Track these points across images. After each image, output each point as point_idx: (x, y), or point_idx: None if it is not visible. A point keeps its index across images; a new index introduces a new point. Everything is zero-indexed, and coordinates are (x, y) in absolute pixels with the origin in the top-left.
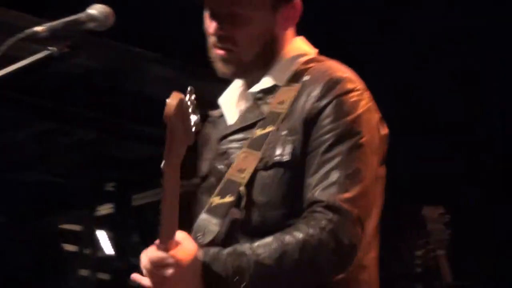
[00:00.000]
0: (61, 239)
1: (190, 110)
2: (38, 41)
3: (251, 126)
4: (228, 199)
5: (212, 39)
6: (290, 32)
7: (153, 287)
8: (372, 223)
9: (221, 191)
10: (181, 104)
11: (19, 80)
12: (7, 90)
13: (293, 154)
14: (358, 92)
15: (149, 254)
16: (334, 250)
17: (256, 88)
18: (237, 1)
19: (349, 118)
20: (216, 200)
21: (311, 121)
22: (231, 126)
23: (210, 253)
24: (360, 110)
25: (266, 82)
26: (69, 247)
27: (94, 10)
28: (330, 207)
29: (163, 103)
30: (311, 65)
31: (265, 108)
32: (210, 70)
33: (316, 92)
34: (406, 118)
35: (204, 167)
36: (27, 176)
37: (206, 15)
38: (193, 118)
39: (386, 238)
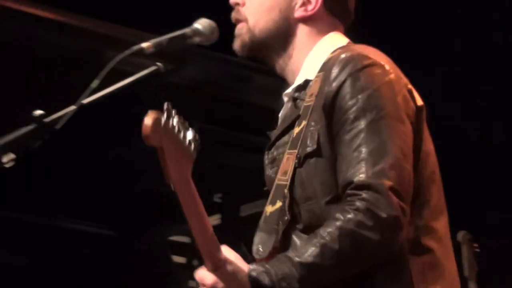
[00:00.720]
0: (170, 250)
1: (178, 126)
2: (146, 56)
3: (291, 126)
4: (278, 204)
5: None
6: (318, 23)
7: None
8: (432, 201)
9: (272, 198)
10: (159, 121)
11: (129, 92)
12: (117, 103)
13: (318, 141)
14: (375, 67)
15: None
16: (373, 228)
17: (290, 88)
18: None
19: (366, 93)
20: (269, 209)
21: (330, 104)
22: (275, 132)
23: (255, 269)
24: (377, 84)
25: (299, 79)
26: (178, 259)
27: (199, 24)
28: (360, 186)
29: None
30: (337, 52)
31: (301, 105)
32: None
33: (333, 74)
34: None
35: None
36: (136, 187)
37: None
38: (189, 134)
39: None
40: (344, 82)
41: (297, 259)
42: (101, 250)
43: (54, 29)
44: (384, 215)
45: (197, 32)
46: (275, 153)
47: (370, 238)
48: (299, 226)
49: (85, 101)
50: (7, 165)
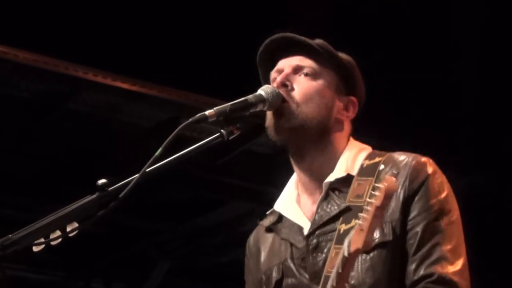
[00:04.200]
0: None
1: None
2: (214, 122)
3: (335, 218)
4: None
5: None
6: (347, 127)
7: None
8: None
9: None
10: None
11: (209, 160)
12: (201, 171)
13: (394, 233)
14: (440, 173)
15: None
16: None
17: (331, 177)
18: (309, 59)
19: (441, 197)
20: None
21: (408, 203)
22: (314, 221)
23: None
24: (447, 190)
25: (339, 172)
26: None
27: (263, 91)
28: (441, 281)
29: None
30: (377, 159)
31: (343, 199)
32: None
33: (404, 177)
34: None
35: (273, 273)
36: (219, 259)
37: (273, 73)
38: None
39: None
40: (422, 185)
41: None
42: None
43: (134, 99)
44: None
45: (260, 99)
46: (315, 240)
47: None
48: None
49: (149, 169)
50: (70, 234)
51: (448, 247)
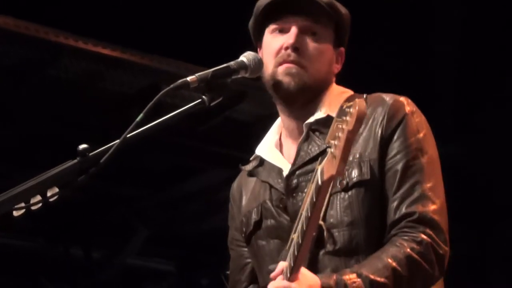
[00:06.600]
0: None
1: None
2: (196, 89)
3: (315, 158)
4: None
5: (281, 56)
6: (334, 77)
7: None
8: None
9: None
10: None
11: (189, 127)
12: (181, 138)
13: (372, 172)
14: (419, 112)
15: (276, 284)
16: (434, 261)
17: (311, 119)
18: (316, 21)
19: (419, 136)
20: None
21: (385, 141)
22: (295, 162)
23: (327, 281)
24: (425, 129)
25: (319, 113)
26: None
27: (245, 57)
28: (421, 220)
29: None
30: (363, 98)
31: (323, 140)
32: None
33: (381, 116)
34: None
35: (252, 214)
36: (198, 226)
37: (275, 25)
38: None
39: None
40: (400, 123)
41: (369, 279)
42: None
43: (115, 66)
44: (441, 251)
45: (242, 66)
46: (295, 180)
47: (429, 271)
48: (329, 248)
49: (130, 135)
50: (51, 199)
51: (429, 185)
